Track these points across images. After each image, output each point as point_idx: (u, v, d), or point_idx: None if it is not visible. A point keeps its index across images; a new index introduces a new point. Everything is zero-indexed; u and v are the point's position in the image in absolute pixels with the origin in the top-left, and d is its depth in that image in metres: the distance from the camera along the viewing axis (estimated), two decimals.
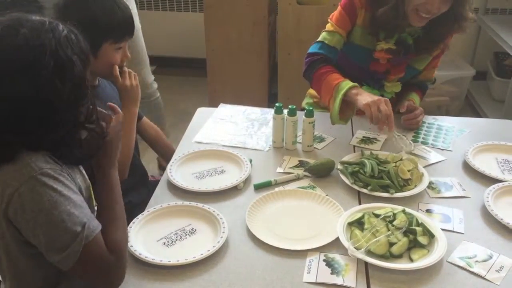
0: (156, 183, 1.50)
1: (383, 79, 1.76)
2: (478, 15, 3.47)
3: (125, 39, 1.44)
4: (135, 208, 1.42)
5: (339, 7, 1.75)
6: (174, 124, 3.28)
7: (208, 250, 1.17)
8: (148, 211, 1.32)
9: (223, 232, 1.23)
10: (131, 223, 1.26)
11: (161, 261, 1.14)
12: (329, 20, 1.77)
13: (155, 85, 2.57)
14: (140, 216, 1.29)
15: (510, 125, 1.81)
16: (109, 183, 1.15)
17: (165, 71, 4.00)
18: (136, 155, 1.67)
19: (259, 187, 1.45)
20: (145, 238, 1.23)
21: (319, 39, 1.77)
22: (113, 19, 1.39)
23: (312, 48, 1.78)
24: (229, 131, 1.75)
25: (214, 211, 1.31)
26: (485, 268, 1.15)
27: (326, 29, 1.77)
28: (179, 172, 1.51)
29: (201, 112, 1.92)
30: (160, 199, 1.40)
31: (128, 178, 1.52)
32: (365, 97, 1.57)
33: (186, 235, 1.25)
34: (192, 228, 1.27)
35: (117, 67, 1.48)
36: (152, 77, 2.54)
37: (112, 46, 1.41)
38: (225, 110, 1.92)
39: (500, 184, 1.41)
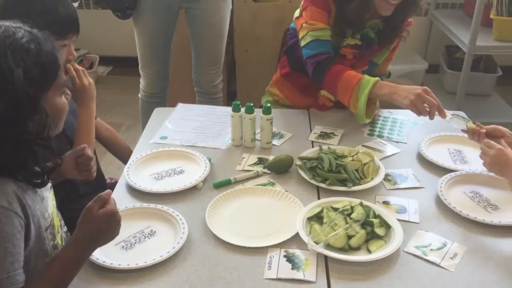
0: (114, 185, 1.47)
1: None
2: (429, 10, 3.57)
3: (69, 36, 1.41)
4: None
5: (310, 7, 1.71)
6: (132, 125, 3.23)
7: (168, 252, 1.16)
8: None
9: (183, 233, 1.22)
10: None
11: (120, 265, 1.12)
12: (304, 23, 1.71)
13: (221, 86, 2.58)
14: None
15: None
16: (71, 257, 1.06)
17: (122, 71, 3.94)
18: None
19: (218, 186, 1.44)
20: None
21: (310, 38, 1.70)
22: (53, 14, 1.36)
23: (310, 50, 1.71)
24: (187, 131, 1.74)
25: (173, 212, 1.30)
26: (440, 256, 1.18)
27: (309, 29, 1.70)
28: (137, 173, 1.48)
29: (159, 112, 1.90)
30: (118, 202, 1.36)
31: (88, 180, 1.49)
32: (403, 94, 1.56)
33: (145, 237, 1.23)
34: (151, 230, 1.25)
35: (71, 67, 1.45)
36: (221, 77, 2.55)
37: (54, 42, 1.38)
38: (184, 109, 1.90)
39: (453, 174, 1.46)
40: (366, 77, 1.65)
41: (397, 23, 1.73)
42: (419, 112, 1.55)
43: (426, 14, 3.61)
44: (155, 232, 1.25)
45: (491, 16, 2.89)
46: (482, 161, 1.34)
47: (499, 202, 1.36)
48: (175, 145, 1.64)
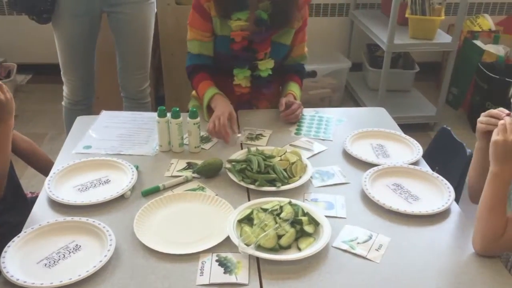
0: (35, 199, 1.40)
1: (252, 59, 1.82)
2: (350, 10, 3.70)
3: None
4: (13, 229, 1.31)
5: (192, 10, 1.82)
6: (57, 135, 3.09)
7: (95, 266, 1.12)
8: (25, 231, 1.22)
9: (110, 245, 1.18)
10: (6, 247, 1.16)
11: (42, 284, 1.07)
12: (188, 25, 1.84)
13: (148, 90, 2.52)
14: (16, 239, 1.19)
15: (381, 112, 1.94)
16: None
17: (44, 78, 3.76)
18: (11, 170, 1.55)
19: (146, 194, 1.41)
20: (23, 261, 1.14)
21: (187, 50, 1.88)
22: None
23: (187, 62, 1.90)
24: (112, 139, 1.69)
25: (99, 224, 1.25)
26: (366, 248, 1.22)
27: (188, 36, 1.85)
28: (59, 186, 1.42)
29: (82, 120, 1.83)
30: (39, 217, 1.30)
31: (5, 197, 1.41)
32: (215, 111, 1.72)
33: (70, 253, 1.18)
34: (77, 245, 1.20)
35: None
36: (148, 82, 2.49)
37: None
38: (108, 117, 1.85)
39: (375, 168, 1.52)
40: (206, 94, 1.79)
41: (285, 6, 1.76)
42: (209, 131, 1.69)
43: (347, 14, 3.74)
44: (80, 246, 1.20)
45: (406, 15, 3.05)
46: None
47: (419, 193, 1.43)
48: (99, 154, 1.59)
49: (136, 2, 2.23)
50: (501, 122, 1.19)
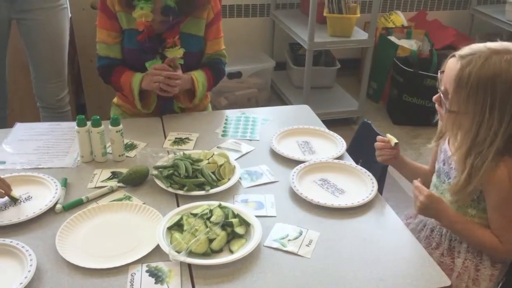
0: None
1: (159, 48, 1.79)
2: (270, 11, 3.75)
3: None
4: None
5: (99, 12, 1.82)
6: None
7: None
8: None
9: (31, 265, 1.11)
10: None
11: None
12: (96, 26, 1.83)
13: (67, 99, 2.40)
14: None
15: (305, 109, 1.98)
16: None
17: None
18: None
19: (69, 208, 1.34)
20: None
21: (97, 52, 1.88)
22: None
23: (97, 63, 1.89)
24: (29, 152, 1.60)
25: (17, 244, 1.17)
26: (297, 245, 1.24)
27: (97, 38, 1.84)
28: None
29: None
30: None
31: None
32: (146, 81, 1.75)
33: None
34: None
35: None
36: (66, 90, 2.40)
37: None
38: (23, 129, 1.74)
39: (302, 165, 1.54)
40: (133, 79, 1.77)
41: None
42: (155, 87, 1.74)
43: (268, 15, 3.79)
44: None
45: (324, 14, 3.13)
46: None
47: (344, 186, 1.47)
48: (18, 170, 1.49)
49: (47, 8, 2.12)
50: (414, 193, 1.33)
